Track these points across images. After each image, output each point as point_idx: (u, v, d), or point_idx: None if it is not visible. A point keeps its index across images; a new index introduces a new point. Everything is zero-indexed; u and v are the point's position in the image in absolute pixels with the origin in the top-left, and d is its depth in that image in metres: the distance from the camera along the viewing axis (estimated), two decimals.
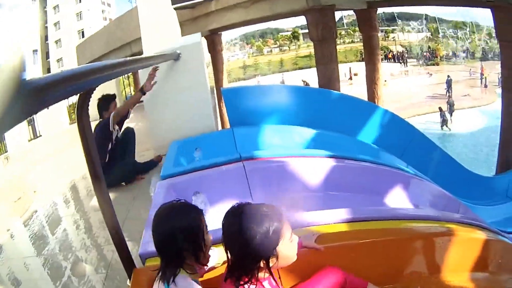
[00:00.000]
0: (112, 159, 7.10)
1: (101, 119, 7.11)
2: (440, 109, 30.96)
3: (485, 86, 41.21)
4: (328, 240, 3.55)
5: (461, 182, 10.80)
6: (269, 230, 2.38)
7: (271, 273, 2.46)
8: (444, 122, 30.87)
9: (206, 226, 2.70)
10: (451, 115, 31.51)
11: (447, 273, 3.94)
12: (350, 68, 43.95)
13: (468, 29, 49.94)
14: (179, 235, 2.52)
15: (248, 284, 2.42)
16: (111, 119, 6.86)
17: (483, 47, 49.91)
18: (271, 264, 2.44)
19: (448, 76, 39.01)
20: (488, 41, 46.95)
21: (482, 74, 42.85)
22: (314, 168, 5.96)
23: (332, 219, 3.90)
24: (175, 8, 12.66)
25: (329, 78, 16.31)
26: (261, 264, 2.42)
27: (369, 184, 5.99)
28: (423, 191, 6.16)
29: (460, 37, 50.16)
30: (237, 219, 2.41)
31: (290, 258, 2.54)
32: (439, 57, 49.39)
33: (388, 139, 9.29)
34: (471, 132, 28.38)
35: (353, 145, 8.56)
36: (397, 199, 5.94)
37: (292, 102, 8.55)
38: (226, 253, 2.51)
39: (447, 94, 37.49)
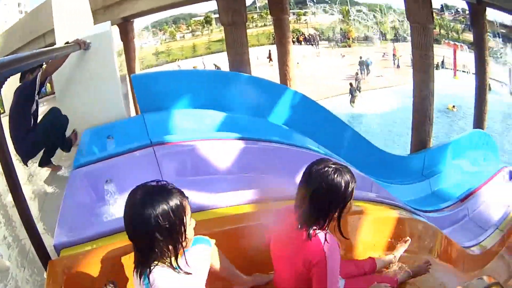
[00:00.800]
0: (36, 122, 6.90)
1: (22, 82, 6.92)
2: (351, 84, 31.91)
3: (398, 66, 42.84)
4: (237, 221, 3.68)
5: (375, 161, 11.35)
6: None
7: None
8: (353, 98, 31.74)
9: (189, 213, 2.46)
10: (359, 91, 32.37)
11: (361, 252, 4.17)
12: (270, 50, 44.43)
13: (380, 11, 51.34)
14: (156, 223, 2.27)
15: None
16: (39, 77, 6.68)
17: (395, 29, 51.34)
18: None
19: (361, 57, 40.05)
20: (401, 23, 48.52)
21: (394, 55, 44.40)
22: (225, 151, 6.13)
23: (241, 200, 4.00)
24: None
25: (240, 62, 16.55)
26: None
27: (280, 165, 6.17)
28: None
29: (372, 19, 51.54)
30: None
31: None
32: (351, 39, 50.62)
33: (299, 120, 9.58)
34: (385, 112, 29.30)
35: (264, 127, 8.86)
36: None
37: (203, 86, 8.66)
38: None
39: (361, 74, 38.23)
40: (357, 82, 32.77)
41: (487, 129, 20.36)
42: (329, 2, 50.72)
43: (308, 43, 51.16)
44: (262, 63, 37.75)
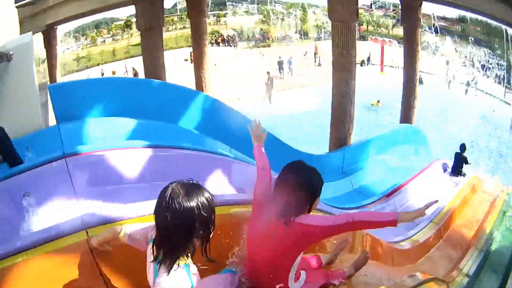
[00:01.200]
0: None
1: None
2: (266, 83, 31.84)
3: (319, 65, 43.31)
4: None
5: (288, 161, 11.46)
6: None
7: None
8: (268, 96, 31.77)
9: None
10: (271, 89, 32.30)
11: None
12: (191, 52, 44.17)
13: (302, 9, 52.13)
14: (199, 213, 2.56)
15: None
16: None
17: (319, 27, 52.51)
18: None
19: (280, 57, 40.12)
20: (326, 22, 49.32)
21: (315, 54, 44.97)
22: (137, 159, 6.23)
23: (138, 212, 4.00)
24: (17, 6, 12.41)
25: (155, 66, 16.70)
26: None
27: (192, 172, 6.08)
28: (247, 174, 6.47)
29: (293, 18, 52.30)
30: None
31: None
32: (271, 39, 51.04)
33: (210, 124, 9.76)
34: (305, 111, 29.11)
35: (175, 133, 8.99)
36: (221, 184, 6.37)
37: (116, 94, 8.77)
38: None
39: (280, 74, 38.71)
40: (269, 81, 32.70)
41: (419, 123, 21.09)
42: (249, 2, 51.16)
43: (226, 44, 51.31)
44: (180, 66, 37.54)
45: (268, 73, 32.77)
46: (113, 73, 40.55)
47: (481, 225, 12.22)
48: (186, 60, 41.23)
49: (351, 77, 13.86)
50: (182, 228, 2.54)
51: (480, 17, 45.03)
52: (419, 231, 10.68)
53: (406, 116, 18.21)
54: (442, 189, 14.01)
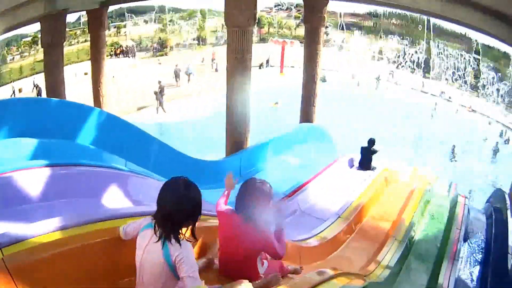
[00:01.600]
0: None
1: None
2: (155, 92, 31.53)
3: (216, 70, 43.59)
4: (41, 250, 3.68)
5: (188, 170, 11.37)
6: None
7: None
8: (160, 105, 31.48)
9: None
10: (162, 98, 32.00)
11: None
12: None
13: (201, 15, 52.35)
14: (193, 208, 3.48)
15: None
16: None
17: (215, 33, 53.40)
18: None
19: (176, 65, 39.98)
20: (221, 27, 49.69)
21: (213, 60, 45.21)
22: (40, 179, 6.25)
23: (48, 229, 4.02)
24: None
25: (56, 82, 16.41)
26: None
27: (88, 188, 6.43)
28: (142, 187, 6.78)
29: (191, 25, 52.43)
30: None
31: None
32: (168, 47, 50.86)
33: (106, 139, 9.82)
34: (202, 118, 29.53)
35: (74, 150, 8.99)
36: (118, 198, 6.48)
37: (18, 114, 8.63)
38: None
39: (177, 82, 38.73)
40: (160, 89, 32.45)
41: (323, 120, 21.40)
42: (148, 11, 50.93)
43: (125, 55, 50.82)
44: (81, 80, 36.77)
45: (159, 82, 32.61)
46: (20, 90, 39.24)
47: (398, 216, 12.41)
48: (86, 74, 40.51)
49: (246, 82, 13.83)
50: (184, 211, 3.41)
51: (396, 10, 46.96)
52: (326, 228, 10.78)
53: (307, 115, 18.31)
54: (349, 185, 14.16)
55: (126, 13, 52.34)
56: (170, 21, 51.90)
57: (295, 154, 16.15)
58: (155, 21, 51.66)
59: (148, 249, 3.46)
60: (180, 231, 3.42)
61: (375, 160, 16.32)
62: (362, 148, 16.13)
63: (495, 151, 34.65)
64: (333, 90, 36.51)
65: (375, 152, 16.08)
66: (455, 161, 30.58)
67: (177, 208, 3.36)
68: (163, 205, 3.40)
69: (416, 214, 12.60)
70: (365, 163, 16.00)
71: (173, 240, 3.35)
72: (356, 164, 16.25)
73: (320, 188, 13.42)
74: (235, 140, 14.19)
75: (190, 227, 3.51)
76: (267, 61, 47.27)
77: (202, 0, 48.83)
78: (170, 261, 3.35)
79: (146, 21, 52.98)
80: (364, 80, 46.43)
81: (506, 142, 38.10)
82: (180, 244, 3.36)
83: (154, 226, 3.44)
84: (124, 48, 51.29)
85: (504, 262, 11.37)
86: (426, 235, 12.45)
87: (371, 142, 16.09)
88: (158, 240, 3.38)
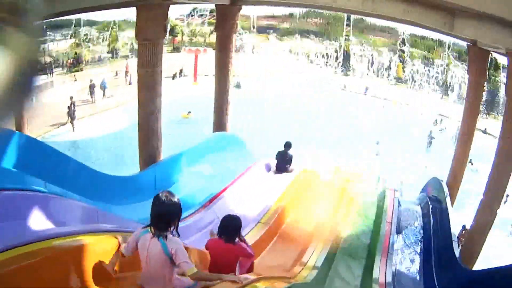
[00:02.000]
0: None
1: None
2: (68, 108, 30.86)
3: (130, 83, 42.99)
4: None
5: (102, 188, 11.72)
6: None
7: None
8: (71, 121, 30.83)
9: None
10: (73, 114, 31.36)
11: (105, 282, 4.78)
12: None
13: (117, 27, 51.79)
14: (177, 211, 4.85)
15: None
16: None
17: (128, 45, 52.44)
18: None
19: (91, 80, 39.14)
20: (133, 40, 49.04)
21: (127, 73, 44.89)
22: None
23: None
24: None
25: None
26: None
27: (15, 211, 6.53)
28: (62, 207, 6.95)
29: (106, 38, 51.76)
30: None
31: None
32: (84, 62, 49.83)
33: (25, 161, 9.87)
34: (116, 132, 29.41)
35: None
36: (41, 220, 6.59)
37: None
38: None
39: (92, 98, 37.80)
40: (72, 105, 31.81)
41: (242, 127, 21.54)
42: (65, 26, 49.92)
43: (42, 73, 49.45)
44: None
45: (71, 98, 31.98)
46: None
47: (321, 216, 12.79)
48: None
49: (156, 95, 13.87)
50: (173, 213, 4.81)
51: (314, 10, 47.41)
52: (246, 234, 10.94)
53: (220, 123, 18.26)
54: (266, 189, 14.40)
55: (44, 27, 50.90)
56: (85, 35, 51.02)
57: (209, 164, 16.25)
58: (71, 36, 50.61)
59: (150, 248, 4.77)
60: (169, 229, 4.79)
61: (296, 162, 16.52)
62: (278, 152, 16.30)
63: (430, 140, 36.07)
64: (248, 96, 37.36)
65: (290, 159, 16.22)
66: (378, 155, 31.44)
67: (167, 212, 4.77)
68: (157, 212, 4.78)
69: (340, 213, 13.01)
70: (283, 166, 16.14)
71: (168, 237, 4.74)
72: (273, 168, 16.37)
73: (238, 195, 13.53)
74: (149, 153, 14.19)
75: (175, 225, 4.87)
76: (181, 71, 47.04)
77: (117, 12, 48.35)
78: (168, 253, 4.71)
79: (64, 36, 51.79)
80: (283, 83, 46.95)
81: (442, 130, 39.64)
82: (172, 240, 4.75)
83: (150, 230, 4.81)
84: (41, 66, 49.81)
85: (450, 249, 11.95)
86: (354, 232, 12.89)
87: (287, 145, 16.24)
88: (157, 239, 4.73)
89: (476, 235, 12.91)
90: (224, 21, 17.03)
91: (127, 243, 5.05)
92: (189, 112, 33.74)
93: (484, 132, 40.60)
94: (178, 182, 14.40)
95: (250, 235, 11.12)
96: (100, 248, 4.97)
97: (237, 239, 6.89)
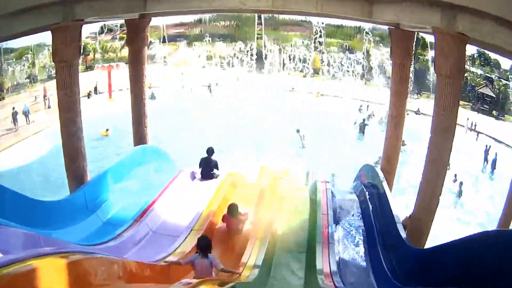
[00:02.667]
0: None
1: None
2: None
3: (49, 107, 42.60)
4: None
5: (37, 214, 11.69)
6: None
7: None
8: None
9: None
10: None
11: None
12: None
13: (32, 52, 50.77)
14: (210, 243, 9.36)
15: None
16: None
17: (46, 68, 51.73)
18: None
19: (13, 108, 38.17)
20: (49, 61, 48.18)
21: (45, 96, 44.33)
22: None
23: None
24: None
25: None
26: None
27: None
28: (2, 235, 7.00)
29: (23, 64, 50.83)
30: None
31: None
32: (5, 91, 48.44)
33: None
34: (43, 156, 28.76)
35: None
36: None
37: None
38: None
39: (15, 126, 36.84)
40: None
41: (165, 137, 21.50)
42: None
43: None
44: None
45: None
46: None
47: (255, 216, 13.10)
48: None
49: (76, 115, 13.87)
50: (209, 245, 9.27)
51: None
52: (181, 243, 11.39)
53: (139, 136, 18.15)
54: (195, 197, 14.64)
55: None
56: (3, 62, 49.80)
57: (135, 178, 16.33)
58: None
59: (202, 263, 9.04)
60: (209, 251, 9.12)
61: (222, 167, 16.83)
62: (202, 159, 16.52)
63: (362, 127, 36.71)
64: (163, 106, 37.91)
65: (213, 162, 16.51)
66: (305, 148, 31.99)
67: (208, 245, 9.20)
68: (203, 245, 9.19)
69: (272, 211, 13.17)
70: (208, 172, 16.40)
71: (209, 256, 9.07)
72: (198, 175, 16.58)
73: (168, 206, 13.79)
74: (76, 174, 14.17)
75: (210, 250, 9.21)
76: (95, 89, 46.52)
77: (33, 38, 47.41)
78: (211, 262, 9.01)
79: None
80: (196, 89, 47.15)
81: (369, 117, 40.50)
82: (211, 256, 9.14)
83: (200, 255, 9.10)
84: None
85: (395, 230, 12.20)
86: (289, 228, 13.13)
87: (210, 151, 16.51)
88: (206, 259, 9.05)
89: (422, 215, 12.71)
90: (135, 35, 17.04)
91: (186, 259, 9.59)
92: (107, 130, 33.42)
93: (417, 112, 42.57)
94: (108, 200, 14.46)
95: (186, 243, 11.39)
96: (49, 270, 5.04)
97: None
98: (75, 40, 13.46)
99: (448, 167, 12.77)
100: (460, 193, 27.22)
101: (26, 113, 38.76)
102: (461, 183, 27.51)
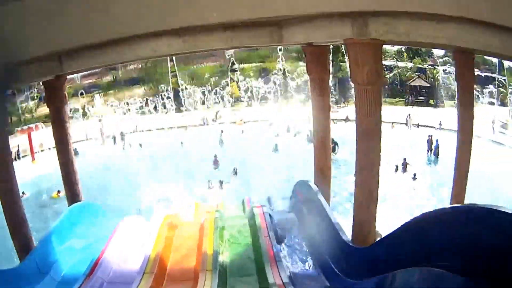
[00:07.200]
0: None
1: None
2: None
3: None
4: None
5: None
6: None
7: None
8: None
9: None
10: None
11: None
12: None
13: None
14: None
15: None
16: None
17: None
18: None
19: None
20: None
21: None
22: None
23: None
24: None
25: None
26: None
27: None
28: None
29: None
30: None
31: None
32: None
33: None
34: None
35: None
36: None
37: None
38: None
39: None
40: None
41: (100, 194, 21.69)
42: None
43: None
44: None
45: None
46: None
47: (199, 251, 13.78)
48: None
49: (13, 184, 14.01)
50: None
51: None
52: (137, 286, 11.85)
53: (73, 195, 18.13)
54: (139, 243, 15.29)
55: None
56: None
57: (77, 236, 16.39)
58: None
59: None
60: None
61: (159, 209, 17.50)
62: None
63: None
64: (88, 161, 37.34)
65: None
66: (237, 174, 32.25)
67: None
68: None
69: (215, 243, 13.87)
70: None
71: None
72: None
73: (116, 255, 14.21)
74: (22, 242, 14.28)
75: None
76: (18, 153, 45.79)
77: None
78: None
79: None
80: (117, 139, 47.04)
81: (296, 134, 41.90)
82: None
83: None
84: None
85: (337, 236, 12.96)
86: (236, 254, 13.84)
87: None
88: None
89: (364, 221, 13.01)
90: (53, 95, 17.14)
91: None
92: (59, 191, 32.27)
93: (346, 120, 43.52)
94: (57, 261, 14.57)
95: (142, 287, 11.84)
96: None
97: None
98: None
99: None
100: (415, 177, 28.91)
101: None
102: (414, 175, 29.14)
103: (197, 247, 14.32)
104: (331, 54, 18.18)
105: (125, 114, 54.57)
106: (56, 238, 15.27)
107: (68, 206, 17.75)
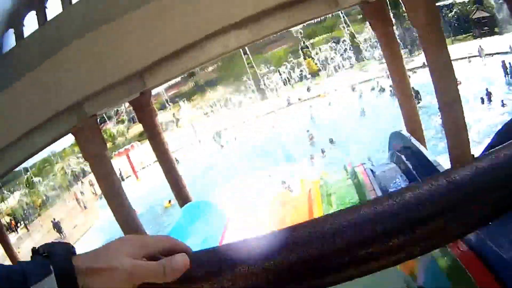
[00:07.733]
0: None
1: None
2: None
3: (85, 207, 43.84)
4: None
5: None
6: None
7: None
8: None
9: None
10: None
11: None
12: None
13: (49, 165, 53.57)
14: None
15: None
16: None
17: (68, 173, 53.50)
18: None
19: (54, 219, 39.49)
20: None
21: (77, 199, 45.50)
22: None
23: None
24: None
25: None
26: None
27: None
28: None
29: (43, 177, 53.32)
30: None
31: None
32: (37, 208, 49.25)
33: None
34: None
35: None
36: None
37: None
38: None
39: None
40: None
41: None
42: None
43: None
44: None
45: None
46: None
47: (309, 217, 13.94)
48: None
49: (123, 200, 14.81)
50: None
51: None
52: None
53: (182, 198, 18.42)
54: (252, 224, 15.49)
55: None
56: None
57: (195, 233, 16.38)
58: None
59: None
60: None
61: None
62: None
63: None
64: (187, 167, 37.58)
65: None
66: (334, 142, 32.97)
67: None
68: None
69: (324, 209, 14.20)
70: None
71: None
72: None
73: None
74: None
75: None
76: (121, 175, 47.12)
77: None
78: None
79: None
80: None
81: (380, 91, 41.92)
82: None
83: None
84: None
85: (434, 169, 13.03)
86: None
87: None
88: None
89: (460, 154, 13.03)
90: (142, 112, 17.71)
91: None
92: (170, 201, 33.98)
93: (423, 66, 41.67)
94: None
95: None
96: None
97: None
98: (96, 134, 14.69)
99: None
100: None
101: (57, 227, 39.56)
102: (502, 101, 29.57)
103: (309, 217, 14.27)
104: (392, 8, 17.89)
105: (212, 113, 55.21)
106: (176, 237, 15.87)
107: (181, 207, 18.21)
